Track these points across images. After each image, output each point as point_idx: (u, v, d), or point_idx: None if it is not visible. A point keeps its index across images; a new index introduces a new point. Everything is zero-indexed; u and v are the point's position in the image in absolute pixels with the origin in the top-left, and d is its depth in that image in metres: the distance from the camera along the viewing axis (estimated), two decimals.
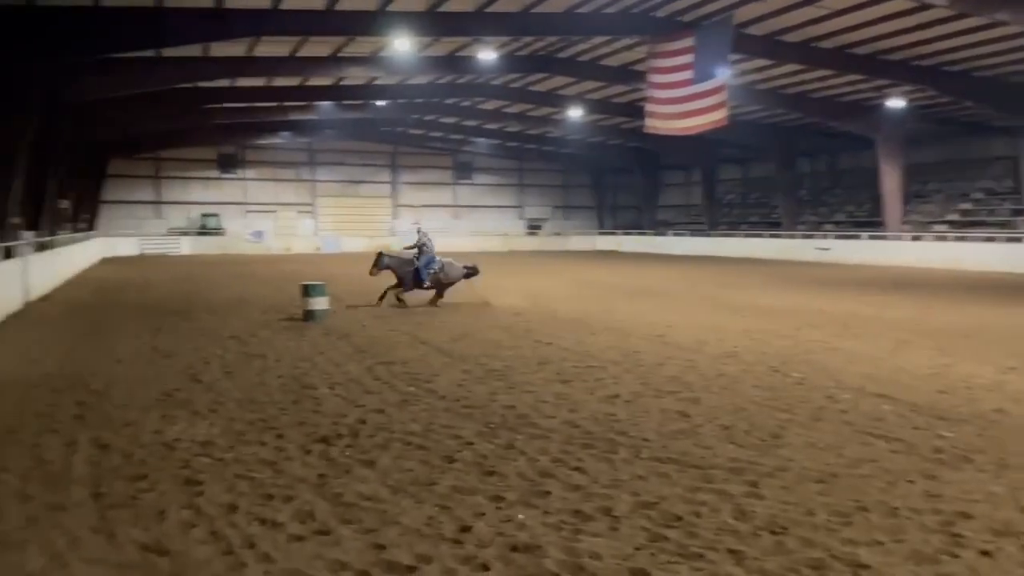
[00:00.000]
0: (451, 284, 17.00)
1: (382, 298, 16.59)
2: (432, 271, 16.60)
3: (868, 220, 40.19)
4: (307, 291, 14.71)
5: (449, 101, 41.00)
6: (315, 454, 6.32)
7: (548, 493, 5.43)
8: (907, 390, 8.60)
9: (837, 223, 42.06)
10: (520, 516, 5.01)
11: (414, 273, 16.57)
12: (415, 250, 16.84)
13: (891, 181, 34.84)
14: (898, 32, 24.60)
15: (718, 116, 24.92)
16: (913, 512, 5.09)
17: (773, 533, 4.76)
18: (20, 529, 4.81)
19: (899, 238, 34.56)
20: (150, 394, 8.46)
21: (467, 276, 17.20)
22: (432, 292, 16.80)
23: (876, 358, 10.58)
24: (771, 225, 45.09)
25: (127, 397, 8.32)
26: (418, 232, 17.06)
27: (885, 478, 5.73)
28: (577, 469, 5.93)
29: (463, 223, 56.44)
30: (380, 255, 16.92)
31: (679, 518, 4.98)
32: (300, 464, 6.07)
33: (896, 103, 32.30)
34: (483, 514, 5.06)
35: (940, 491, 5.47)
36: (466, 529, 4.82)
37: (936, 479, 5.71)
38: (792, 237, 40.39)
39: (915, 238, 34.43)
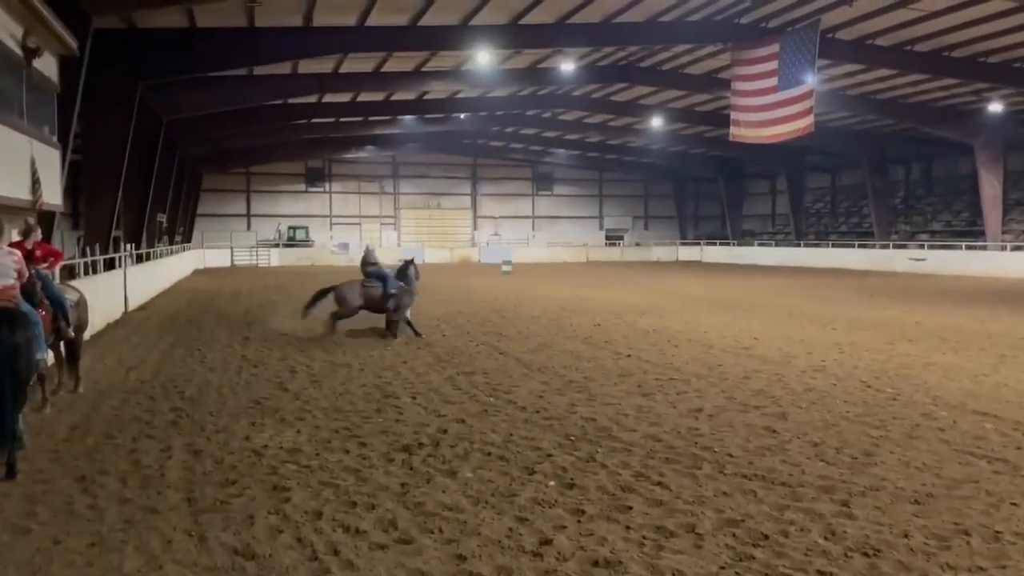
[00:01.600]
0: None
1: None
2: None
3: (966, 229, 38.54)
4: None
5: (530, 113, 41.23)
6: (397, 463, 6.40)
7: (630, 508, 5.35)
8: (1011, 408, 8.17)
9: (932, 232, 40.44)
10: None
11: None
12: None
13: (990, 188, 33.34)
14: (999, 33, 23.56)
15: (804, 123, 24.37)
16: (1018, 537, 4.81)
17: (866, 555, 4.56)
18: (118, 531, 5.00)
19: (1000, 248, 32.99)
20: (240, 401, 8.72)
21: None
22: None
23: (977, 374, 10.10)
24: (862, 235, 43.69)
25: (218, 404, 8.60)
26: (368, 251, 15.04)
27: (987, 500, 5.44)
28: (659, 484, 5.83)
29: (542, 234, 56.55)
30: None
31: (766, 537, 4.83)
32: (383, 472, 6.15)
33: (996, 107, 30.89)
34: (564, 527, 5.01)
35: None
36: (546, 542, 4.78)
37: None
38: (885, 247, 39.01)
39: (1016, 248, 32.80)
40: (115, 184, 19.59)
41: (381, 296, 13.84)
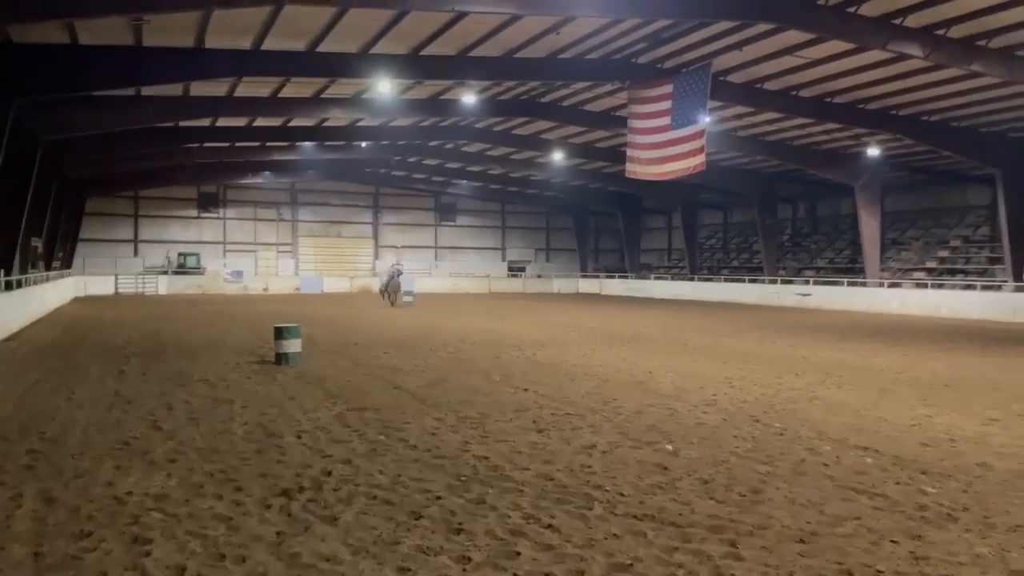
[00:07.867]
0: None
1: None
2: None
3: (848, 266, 40.48)
4: (280, 333, 14.40)
5: (432, 143, 41.06)
6: (275, 509, 6.01)
7: (518, 554, 5.15)
8: (890, 442, 8.41)
9: (817, 269, 42.29)
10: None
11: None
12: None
13: (869, 228, 35.13)
14: (876, 82, 24.94)
15: (696, 162, 25.01)
16: None
17: None
18: None
19: (879, 285, 34.74)
20: (107, 442, 8.10)
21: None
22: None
23: (858, 408, 10.41)
24: (752, 270, 45.30)
25: (82, 445, 7.95)
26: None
27: (868, 538, 5.50)
28: (549, 527, 5.66)
29: (445, 264, 56.31)
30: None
31: None
32: (258, 520, 5.75)
33: (874, 151, 32.68)
34: None
35: (926, 552, 5.24)
36: None
37: (921, 539, 5.49)
38: (773, 282, 40.53)
39: (893, 285, 34.62)
40: None
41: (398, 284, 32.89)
